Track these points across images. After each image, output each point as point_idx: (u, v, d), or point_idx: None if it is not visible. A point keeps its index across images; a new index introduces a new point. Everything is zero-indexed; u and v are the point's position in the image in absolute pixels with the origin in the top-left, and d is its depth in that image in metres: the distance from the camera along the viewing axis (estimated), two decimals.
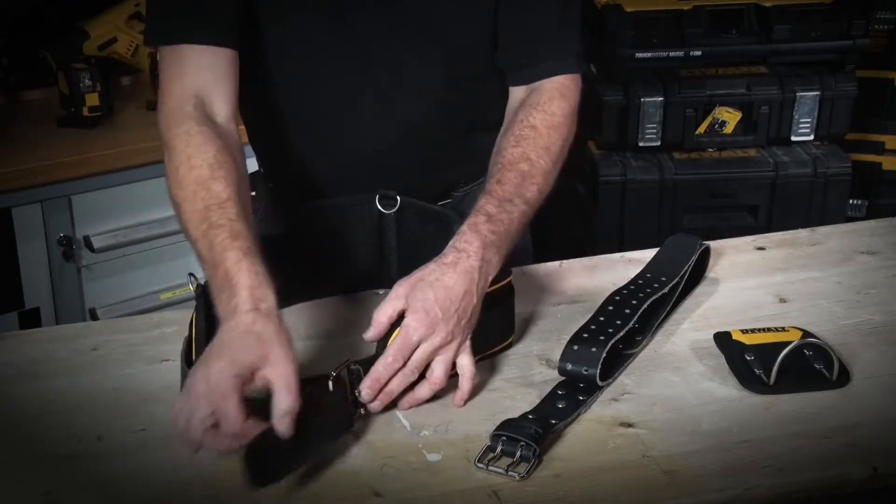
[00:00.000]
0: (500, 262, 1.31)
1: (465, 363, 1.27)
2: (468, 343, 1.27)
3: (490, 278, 1.30)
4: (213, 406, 1.09)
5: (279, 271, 1.41)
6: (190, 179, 1.28)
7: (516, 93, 1.50)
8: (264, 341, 1.13)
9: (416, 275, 1.27)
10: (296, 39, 1.45)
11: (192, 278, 1.29)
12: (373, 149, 1.51)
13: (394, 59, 1.47)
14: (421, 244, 1.46)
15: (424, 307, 1.24)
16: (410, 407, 1.25)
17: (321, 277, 1.48)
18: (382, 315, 1.25)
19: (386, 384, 1.23)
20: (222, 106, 1.37)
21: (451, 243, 1.30)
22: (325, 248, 1.47)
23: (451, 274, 1.26)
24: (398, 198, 1.47)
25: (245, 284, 1.18)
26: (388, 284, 1.48)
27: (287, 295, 1.44)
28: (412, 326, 1.23)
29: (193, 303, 1.30)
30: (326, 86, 1.49)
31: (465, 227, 1.32)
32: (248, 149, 1.72)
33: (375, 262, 1.50)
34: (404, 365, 1.23)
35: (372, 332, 1.25)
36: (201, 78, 1.36)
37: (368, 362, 1.22)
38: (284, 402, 1.10)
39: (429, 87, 1.49)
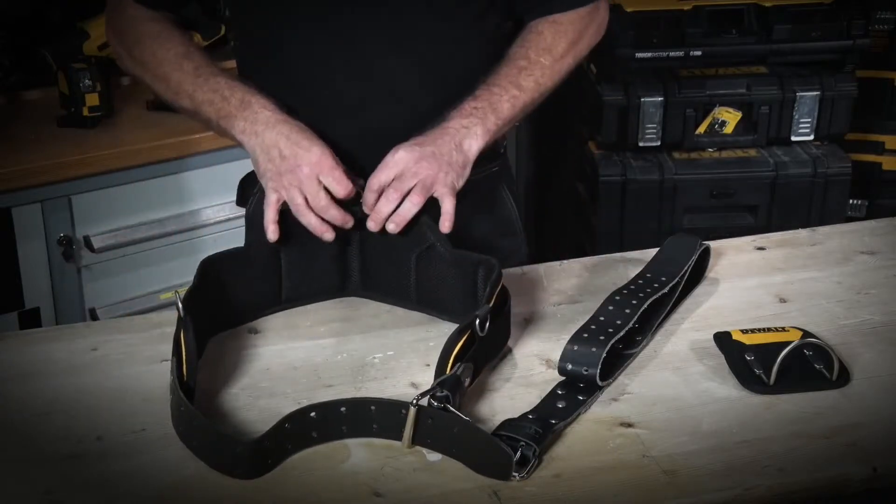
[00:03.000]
0: (486, 133, 1.42)
1: (449, 204, 1.38)
2: (452, 188, 1.37)
3: (476, 142, 1.41)
4: (318, 181, 1.35)
5: (242, 282, 1.40)
6: (169, 57, 1.45)
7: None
8: (316, 144, 1.38)
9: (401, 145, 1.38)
10: None
11: (178, 296, 1.29)
12: (361, 122, 1.51)
13: (371, 21, 1.48)
14: (387, 248, 1.45)
15: (412, 144, 1.36)
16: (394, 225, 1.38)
17: (285, 286, 1.46)
18: (374, 182, 1.36)
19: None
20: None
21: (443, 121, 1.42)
22: (289, 256, 1.44)
23: (434, 133, 1.40)
24: (361, 204, 1.45)
25: (267, 105, 1.40)
26: (351, 292, 1.48)
27: (253, 305, 1.44)
28: (400, 154, 1.36)
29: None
30: (303, 47, 1.50)
31: (453, 112, 1.43)
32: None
33: (338, 269, 1.48)
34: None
35: (367, 197, 1.38)
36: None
37: (452, 382, 1.21)
38: (342, 192, 1.37)
39: (406, 44, 1.49)
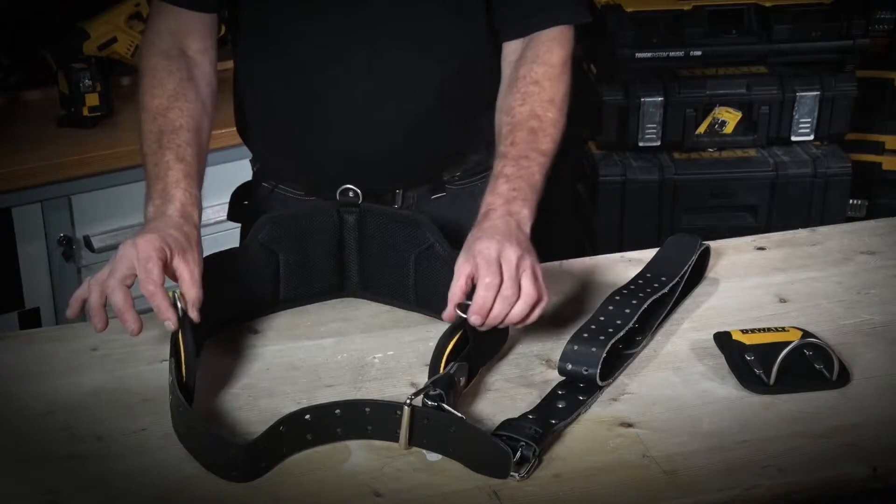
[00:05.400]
0: (531, 213, 1.37)
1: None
2: (536, 269, 1.29)
3: (527, 226, 1.35)
4: (133, 268, 1.26)
5: (239, 282, 1.39)
6: (151, 106, 1.44)
7: (510, 48, 1.51)
8: (189, 239, 1.32)
9: (464, 245, 1.31)
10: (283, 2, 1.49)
11: (176, 296, 1.28)
12: (368, 117, 1.51)
13: (379, 14, 1.47)
14: (385, 249, 1.45)
15: (486, 238, 1.28)
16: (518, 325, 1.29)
17: (283, 287, 1.45)
18: (457, 289, 1.27)
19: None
20: (195, 42, 1.51)
21: (481, 211, 1.36)
22: (287, 257, 1.44)
23: (488, 223, 1.32)
24: (360, 205, 1.46)
25: (179, 198, 1.36)
26: (350, 293, 1.48)
27: (251, 305, 1.44)
28: (484, 248, 1.26)
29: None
30: (310, 43, 1.49)
31: (486, 194, 1.38)
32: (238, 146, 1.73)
33: (336, 270, 1.48)
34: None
35: (449, 309, 1.28)
36: (178, 24, 1.50)
37: (446, 381, 1.20)
38: (191, 294, 1.28)
39: (412, 37, 1.49)
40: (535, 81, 1.46)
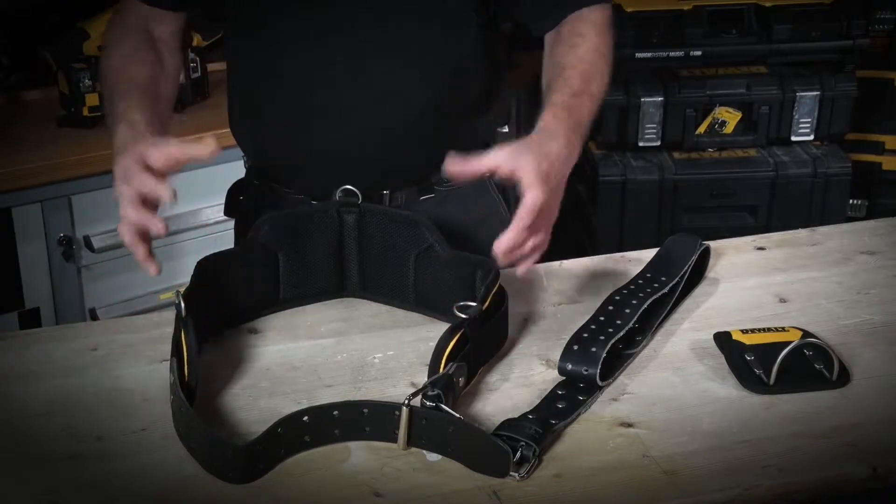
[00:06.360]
0: (580, 148, 1.37)
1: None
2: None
3: (573, 162, 1.35)
4: (135, 197, 1.31)
5: (239, 282, 1.39)
6: (108, 65, 1.52)
7: (548, 40, 1.52)
8: (143, 136, 1.36)
9: (517, 142, 1.30)
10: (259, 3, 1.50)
11: (178, 296, 1.28)
12: (351, 123, 1.50)
13: (365, 19, 1.47)
14: (385, 249, 1.45)
15: (540, 174, 1.27)
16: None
17: (283, 286, 1.45)
18: (481, 164, 1.27)
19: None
20: (164, 29, 1.56)
21: (537, 127, 1.35)
22: (287, 257, 1.44)
23: (551, 143, 1.31)
24: (360, 205, 1.45)
25: (121, 114, 1.41)
26: (350, 293, 1.48)
27: (251, 305, 1.43)
28: (535, 197, 1.26)
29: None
30: (295, 47, 1.49)
31: (546, 116, 1.36)
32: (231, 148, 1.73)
33: (336, 270, 1.48)
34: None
35: (457, 167, 1.28)
36: (147, 21, 1.56)
37: (444, 381, 1.20)
38: (189, 151, 1.30)
39: (405, 50, 1.48)
40: (580, 34, 1.47)
